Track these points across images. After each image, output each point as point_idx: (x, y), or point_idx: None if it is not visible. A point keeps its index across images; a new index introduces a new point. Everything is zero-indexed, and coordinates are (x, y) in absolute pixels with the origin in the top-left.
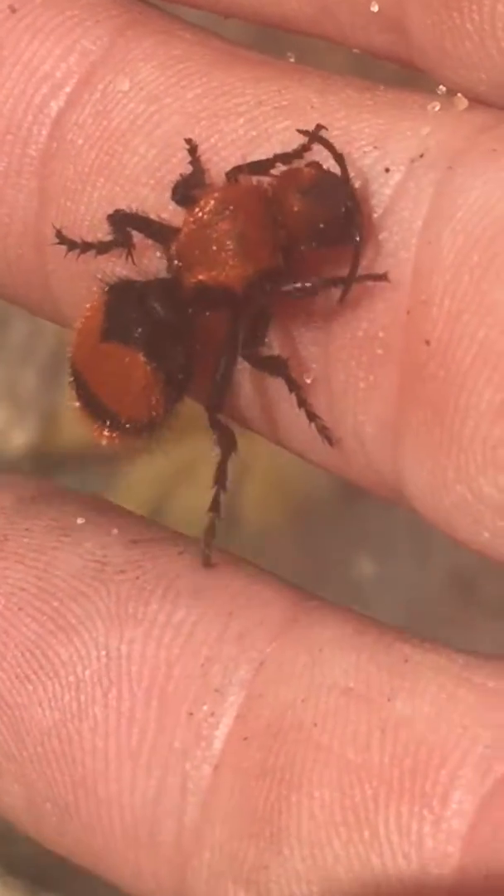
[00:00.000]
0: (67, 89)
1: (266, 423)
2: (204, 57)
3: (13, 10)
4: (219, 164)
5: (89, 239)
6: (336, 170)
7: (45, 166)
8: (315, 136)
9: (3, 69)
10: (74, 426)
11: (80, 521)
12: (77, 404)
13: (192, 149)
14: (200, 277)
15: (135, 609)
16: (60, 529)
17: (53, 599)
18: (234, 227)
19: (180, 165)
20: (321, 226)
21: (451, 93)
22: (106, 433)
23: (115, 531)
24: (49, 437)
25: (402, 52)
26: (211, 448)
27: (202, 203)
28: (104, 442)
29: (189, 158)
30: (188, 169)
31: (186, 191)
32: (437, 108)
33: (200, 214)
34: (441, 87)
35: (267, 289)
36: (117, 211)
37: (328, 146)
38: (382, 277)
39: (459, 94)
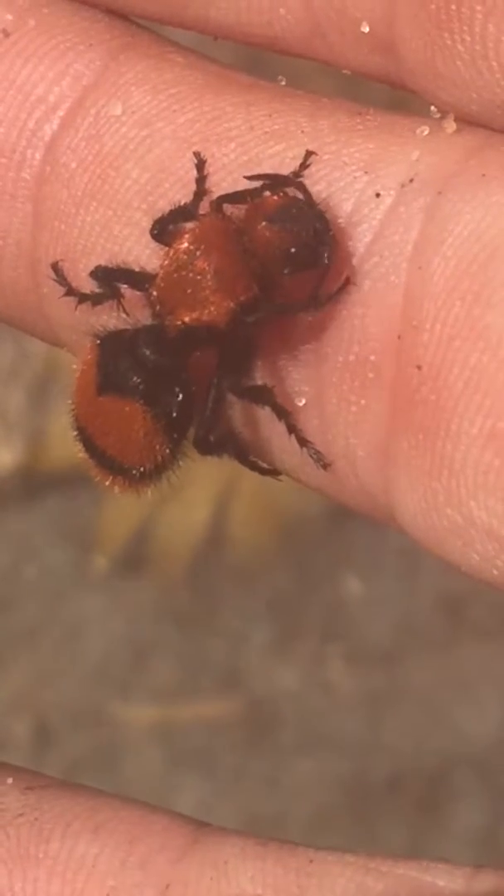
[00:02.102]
0: (61, 113)
1: (258, 448)
2: (196, 81)
3: (6, 34)
4: (212, 188)
5: (83, 263)
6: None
7: (38, 190)
8: (303, 164)
9: None
10: (61, 447)
11: None
12: (86, 457)
13: (200, 164)
14: (183, 319)
15: (36, 849)
16: None
17: None
18: (208, 265)
19: (172, 189)
20: (291, 251)
21: (443, 114)
22: (119, 483)
23: (9, 780)
24: (36, 459)
25: (393, 72)
26: (196, 470)
27: (175, 245)
28: (120, 492)
29: (181, 183)
30: (181, 194)
31: (164, 227)
32: (427, 132)
33: (174, 257)
34: (433, 107)
35: (249, 320)
36: (98, 267)
37: (289, 181)
38: (348, 281)
39: (448, 118)
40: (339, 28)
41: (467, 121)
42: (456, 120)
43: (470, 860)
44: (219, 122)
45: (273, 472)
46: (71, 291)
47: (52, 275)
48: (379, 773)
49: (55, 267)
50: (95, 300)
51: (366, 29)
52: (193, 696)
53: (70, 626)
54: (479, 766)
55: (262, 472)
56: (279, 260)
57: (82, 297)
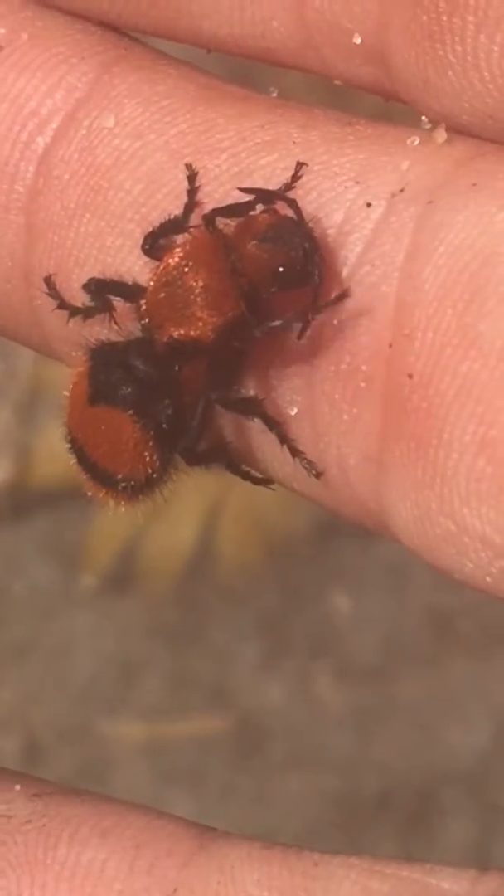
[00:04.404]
0: (53, 125)
1: (249, 458)
2: (188, 93)
3: None
4: (203, 199)
5: (76, 275)
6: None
7: (32, 202)
8: (295, 175)
9: None
10: (48, 465)
11: None
12: (78, 470)
13: (192, 176)
14: (171, 334)
15: (44, 855)
16: None
17: None
18: (195, 282)
19: (165, 201)
20: (280, 270)
21: (433, 125)
22: (110, 496)
23: (17, 787)
24: (23, 476)
25: (385, 83)
26: (183, 486)
27: (164, 261)
28: (112, 505)
29: (173, 195)
30: (173, 205)
31: (154, 241)
32: (417, 142)
33: (162, 273)
34: (424, 118)
35: (236, 335)
36: (91, 279)
37: (280, 196)
38: (345, 294)
39: (439, 128)
40: (331, 39)
41: (459, 131)
42: (447, 130)
43: None
44: (211, 133)
45: (265, 481)
46: (63, 304)
47: (45, 288)
48: (368, 788)
49: (48, 280)
50: (87, 313)
51: (358, 40)
52: (182, 713)
53: (58, 643)
54: (468, 782)
55: (254, 481)
56: (267, 278)
57: (74, 311)
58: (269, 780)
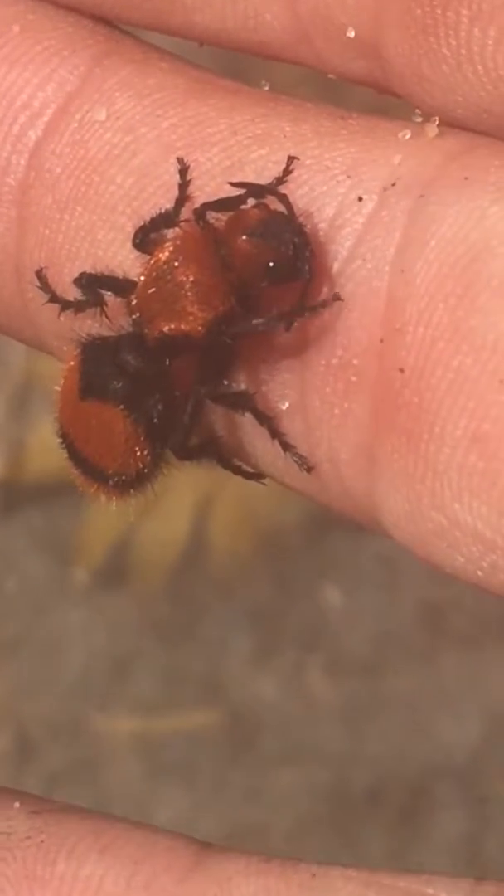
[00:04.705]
0: (45, 119)
1: (241, 453)
2: (179, 86)
3: None
4: (194, 193)
5: (67, 269)
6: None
7: (23, 195)
8: (287, 170)
9: None
10: (40, 460)
11: None
12: (70, 465)
13: (183, 169)
14: (161, 329)
15: (42, 870)
16: None
17: None
18: (185, 277)
19: (156, 194)
20: (270, 265)
21: (426, 119)
22: (102, 491)
23: (16, 804)
24: (15, 471)
25: (378, 77)
26: (175, 480)
27: (154, 255)
28: (104, 500)
29: (164, 188)
30: (165, 199)
31: (145, 235)
32: (409, 136)
33: (153, 268)
34: (417, 112)
35: (226, 330)
36: (82, 274)
37: (271, 191)
38: (335, 297)
39: (430, 122)
40: (324, 33)
41: (453, 125)
42: (441, 124)
43: (449, 869)
44: (202, 126)
45: (256, 476)
46: (54, 298)
47: (36, 281)
48: (360, 783)
49: (39, 274)
50: (78, 307)
51: (351, 34)
52: (174, 708)
53: (50, 638)
54: (459, 776)
55: (246, 475)
56: (257, 273)
57: (65, 305)
58: (261, 774)
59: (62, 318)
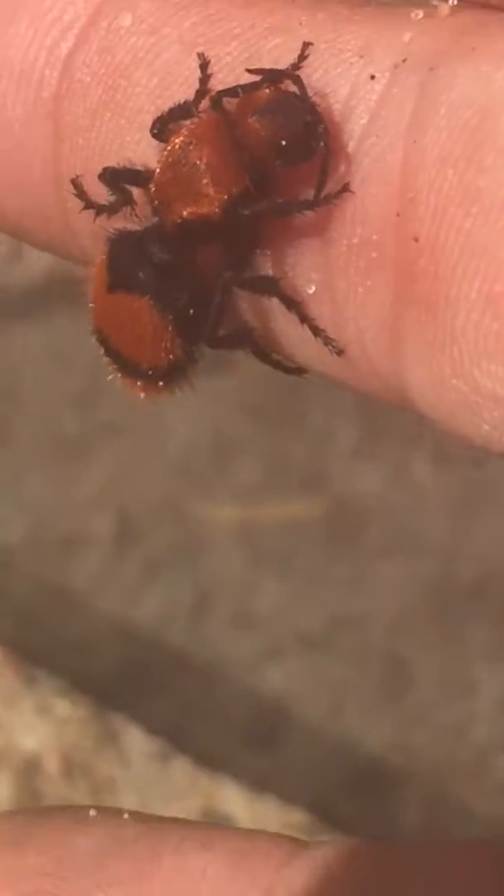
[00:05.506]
0: (75, 31)
1: (271, 342)
2: None
3: None
4: (216, 86)
5: (114, 168)
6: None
7: (57, 107)
8: (301, 56)
9: (16, 19)
10: None
11: (92, 812)
12: (106, 360)
13: (203, 64)
14: (181, 214)
15: (150, 865)
16: (75, 820)
17: (71, 871)
18: (199, 160)
19: (180, 91)
20: (283, 143)
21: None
22: (137, 385)
23: (125, 815)
24: None
25: None
26: None
27: (169, 143)
28: (140, 395)
29: (187, 84)
30: (187, 94)
31: (163, 125)
32: (421, 16)
33: (169, 154)
34: None
35: (245, 213)
36: (105, 169)
37: (285, 73)
38: (346, 189)
39: (443, 2)
40: None
41: (471, 2)
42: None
43: None
44: (222, 23)
45: (298, 371)
46: (89, 204)
47: (73, 189)
48: (465, 576)
49: (75, 181)
50: (111, 210)
51: None
52: (276, 496)
53: (152, 423)
54: None
55: (287, 370)
56: (270, 152)
57: (100, 209)
58: (364, 565)
59: (98, 222)
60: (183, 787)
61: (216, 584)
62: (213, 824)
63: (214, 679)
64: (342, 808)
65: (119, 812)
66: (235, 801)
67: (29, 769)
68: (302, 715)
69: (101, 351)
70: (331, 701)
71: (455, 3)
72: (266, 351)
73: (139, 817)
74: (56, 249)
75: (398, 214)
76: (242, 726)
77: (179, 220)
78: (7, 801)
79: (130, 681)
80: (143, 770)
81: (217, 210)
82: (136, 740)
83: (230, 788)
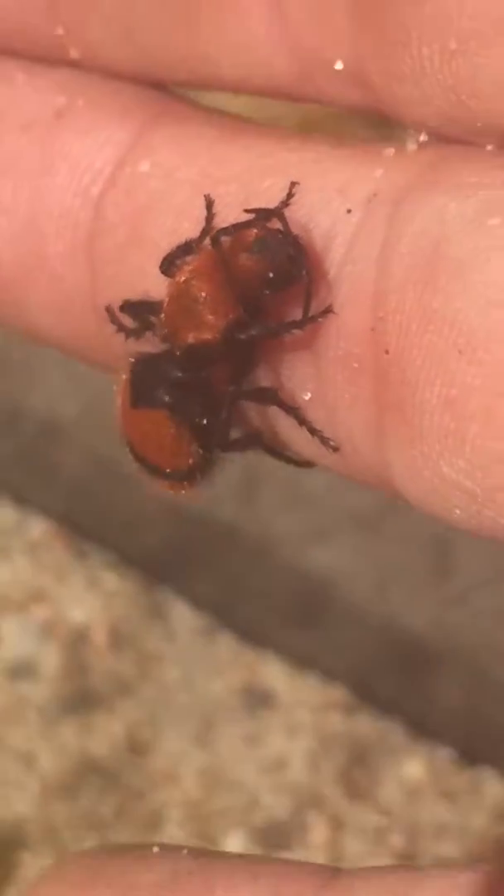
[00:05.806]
0: (104, 176)
1: (279, 442)
2: (209, 133)
3: (59, 116)
4: (219, 223)
5: (131, 301)
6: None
7: (91, 244)
8: (289, 194)
9: (55, 168)
10: None
11: (155, 849)
12: (134, 465)
13: (209, 204)
14: (185, 339)
15: None
16: (140, 856)
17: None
18: (199, 293)
19: (190, 228)
20: (270, 275)
21: (409, 135)
22: (163, 485)
23: (184, 851)
24: None
25: (371, 103)
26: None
27: (174, 277)
28: (166, 491)
29: (196, 222)
30: (197, 230)
31: (170, 262)
32: (392, 153)
33: (174, 288)
34: (410, 131)
35: (240, 336)
36: (125, 302)
37: (272, 212)
38: (328, 311)
39: (411, 138)
40: (322, 69)
41: (436, 135)
42: (429, 134)
43: None
44: (226, 166)
45: (306, 464)
46: (121, 328)
47: (106, 316)
48: None
49: (108, 308)
50: (136, 334)
51: (339, 66)
52: None
53: None
54: None
55: (297, 464)
56: (259, 283)
57: (128, 333)
58: None
59: (128, 344)
60: (227, 662)
61: (266, 462)
62: (260, 857)
63: (262, 557)
64: (382, 686)
65: (178, 848)
66: (277, 677)
67: (77, 641)
68: (346, 594)
69: (131, 456)
70: (376, 581)
71: (424, 139)
72: (276, 449)
73: (195, 853)
74: (95, 362)
75: (373, 330)
76: (287, 604)
77: (186, 345)
78: (55, 672)
79: (178, 557)
80: (189, 644)
81: (217, 336)
82: (182, 615)
83: (273, 664)
